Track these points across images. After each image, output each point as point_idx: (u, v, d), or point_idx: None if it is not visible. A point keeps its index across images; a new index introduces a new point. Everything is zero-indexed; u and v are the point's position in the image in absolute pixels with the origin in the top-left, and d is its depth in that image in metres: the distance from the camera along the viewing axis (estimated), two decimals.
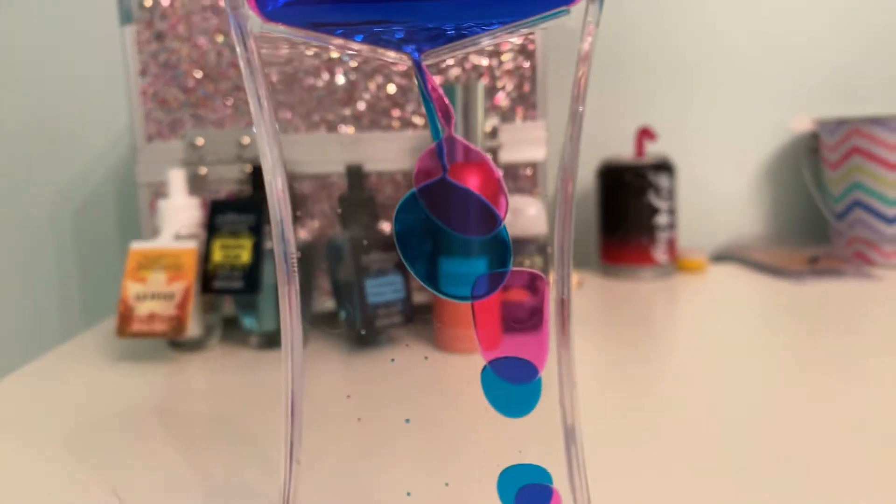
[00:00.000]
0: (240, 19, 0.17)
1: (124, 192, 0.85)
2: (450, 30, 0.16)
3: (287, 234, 0.20)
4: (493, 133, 0.56)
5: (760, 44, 0.89)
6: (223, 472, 0.35)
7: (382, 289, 0.53)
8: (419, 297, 0.54)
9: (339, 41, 0.17)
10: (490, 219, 0.20)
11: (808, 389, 0.44)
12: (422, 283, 0.21)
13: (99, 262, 0.85)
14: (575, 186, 0.21)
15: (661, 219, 0.76)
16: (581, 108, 0.19)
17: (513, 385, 0.21)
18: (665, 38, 0.88)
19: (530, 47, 0.55)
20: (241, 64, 0.18)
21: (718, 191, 0.90)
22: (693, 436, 0.37)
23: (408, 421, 0.22)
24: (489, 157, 0.22)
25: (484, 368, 0.21)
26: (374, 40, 0.17)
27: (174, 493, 0.33)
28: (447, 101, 0.19)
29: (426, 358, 0.26)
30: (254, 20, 0.17)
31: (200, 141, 0.58)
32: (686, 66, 0.89)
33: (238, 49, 0.18)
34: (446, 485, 0.21)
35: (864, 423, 0.38)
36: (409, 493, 0.22)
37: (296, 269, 0.21)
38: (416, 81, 0.18)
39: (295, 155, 0.58)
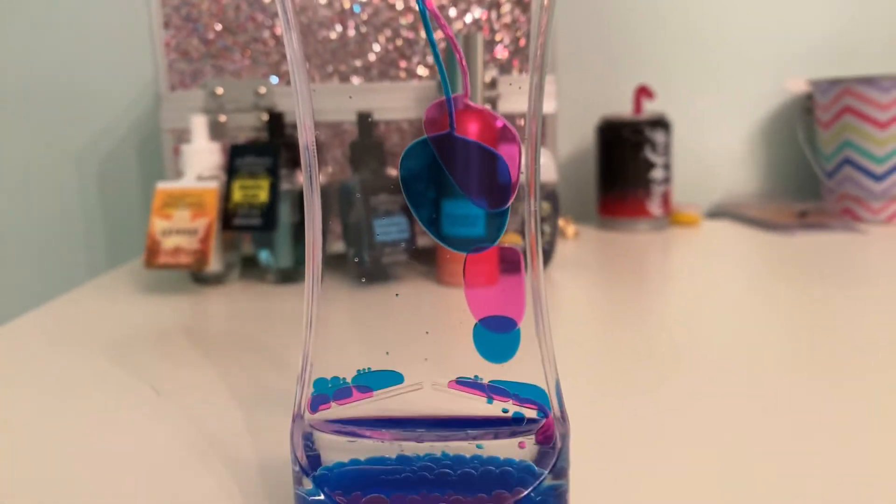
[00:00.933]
0: None
1: (147, 140, 0.89)
2: None
3: (307, 137, 0.24)
4: (493, 84, 0.59)
5: (757, 6, 0.91)
6: (244, 374, 0.40)
7: (389, 229, 0.57)
8: (423, 240, 0.58)
9: None
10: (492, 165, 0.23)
11: (791, 329, 0.47)
12: (424, 228, 0.24)
13: (122, 206, 0.90)
14: (539, 128, 0.24)
15: (657, 173, 0.80)
16: (540, 53, 0.22)
17: (497, 335, 0.24)
18: (665, 1, 0.91)
19: (526, 0, 0.58)
20: (279, 8, 0.22)
21: (715, 149, 0.94)
22: (682, 366, 0.40)
23: (397, 295, 0.25)
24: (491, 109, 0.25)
25: (475, 326, 0.23)
26: None
27: (203, 390, 0.38)
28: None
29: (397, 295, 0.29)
30: None
31: (220, 90, 0.62)
32: (685, 28, 0.91)
33: None
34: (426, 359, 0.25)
35: (843, 357, 0.41)
36: (387, 353, 0.25)
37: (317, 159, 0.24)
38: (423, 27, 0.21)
39: (315, 104, 0.61)
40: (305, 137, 0.24)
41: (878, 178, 0.82)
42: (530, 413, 0.23)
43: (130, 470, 0.29)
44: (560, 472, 0.23)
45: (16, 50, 0.87)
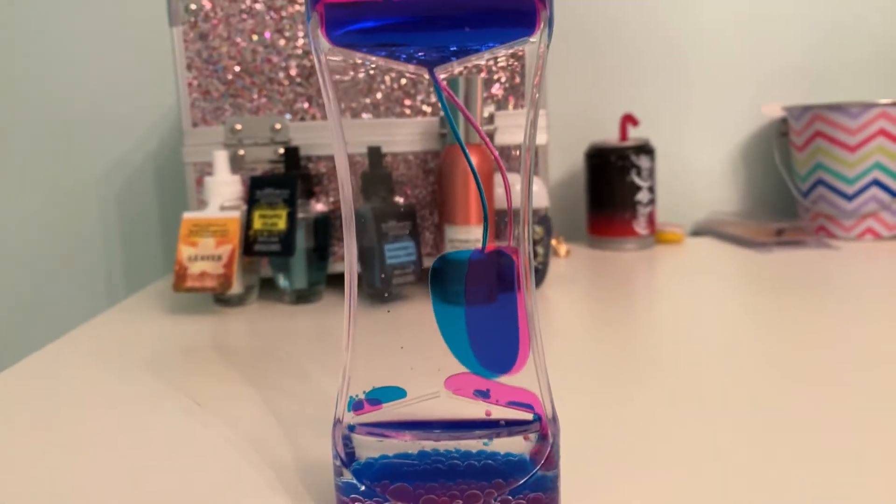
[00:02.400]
0: (316, 42, 0.26)
1: (164, 170, 0.94)
2: (450, 53, 0.25)
3: (346, 192, 0.29)
4: (490, 119, 0.65)
5: (736, 37, 0.97)
6: (272, 384, 0.45)
7: (398, 252, 0.62)
8: (428, 262, 0.64)
9: (381, 60, 0.26)
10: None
11: (768, 337, 0.52)
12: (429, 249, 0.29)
13: (139, 233, 0.95)
14: (532, 159, 0.29)
15: (642, 196, 0.85)
16: (538, 96, 0.27)
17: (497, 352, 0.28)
18: (649, 33, 0.97)
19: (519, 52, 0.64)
20: (317, 68, 0.27)
21: (697, 172, 0.99)
22: (664, 371, 0.46)
23: (388, 312, 0.30)
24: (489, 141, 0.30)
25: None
26: (408, 59, 0.26)
27: (238, 398, 0.43)
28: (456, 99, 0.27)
29: (388, 311, 0.34)
30: (324, 43, 0.26)
31: (239, 126, 0.67)
32: (668, 59, 0.97)
33: (315, 59, 0.27)
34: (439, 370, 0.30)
35: (816, 362, 0.46)
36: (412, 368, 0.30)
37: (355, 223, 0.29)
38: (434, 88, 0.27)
39: (325, 139, 0.67)
40: (345, 191, 0.29)
41: (849, 197, 0.87)
42: (525, 416, 0.28)
43: (190, 467, 0.34)
44: (551, 464, 0.28)
45: (49, 85, 0.93)
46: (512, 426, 0.28)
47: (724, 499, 0.30)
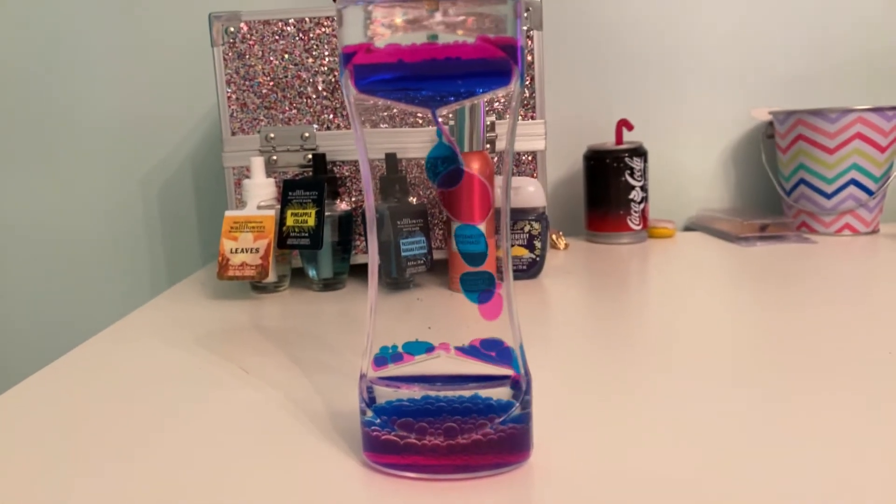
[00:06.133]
0: (347, 89, 0.35)
1: (200, 172, 1.04)
2: (448, 96, 0.34)
3: (369, 199, 0.38)
4: (492, 127, 0.73)
5: (727, 46, 1.05)
6: (305, 354, 0.54)
7: (412, 246, 0.71)
8: (438, 254, 0.73)
9: (394, 102, 0.35)
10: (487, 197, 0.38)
11: (751, 325, 0.57)
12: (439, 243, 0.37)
13: (179, 228, 1.05)
14: (511, 166, 0.38)
15: (636, 195, 0.93)
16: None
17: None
18: (643, 44, 1.05)
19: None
20: (348, 106, 0.36)
21: (689, 171, 1.07)
22: (656, 354, 0.55)
23: (419, 300, 0.40)
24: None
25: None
26: (416, 102, 0.34)
27: (278, 368, 0.52)
28: (450, 137, 0.36)
29: (419, 299, 0.43)
30: (353, 90, 0.35)
31: (272, 135, 0.76)
32: (662, 67, 1.05)
33: (345, 99, 0.35)
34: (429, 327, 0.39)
35: (795, 348, 0.50)
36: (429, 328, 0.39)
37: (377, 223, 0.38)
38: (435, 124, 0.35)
39: (348, 146, 0.76)
40: (369, 199, 0.37)
41: (828, 196, 0.95)
42: (504, 371, 0.37)
43: (245, 424, 0.43)
44: (526, 403, 0.36)
45: (101, 95, 1.03)
46: (497, 379, 0.37)
47: (691, 452, 0.38)
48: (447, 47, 0.32)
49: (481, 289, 0.38)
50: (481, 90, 0.34)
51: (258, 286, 0.74)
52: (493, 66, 0.33)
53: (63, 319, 1.06)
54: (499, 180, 0.71)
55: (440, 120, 0.36)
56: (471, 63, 0.32)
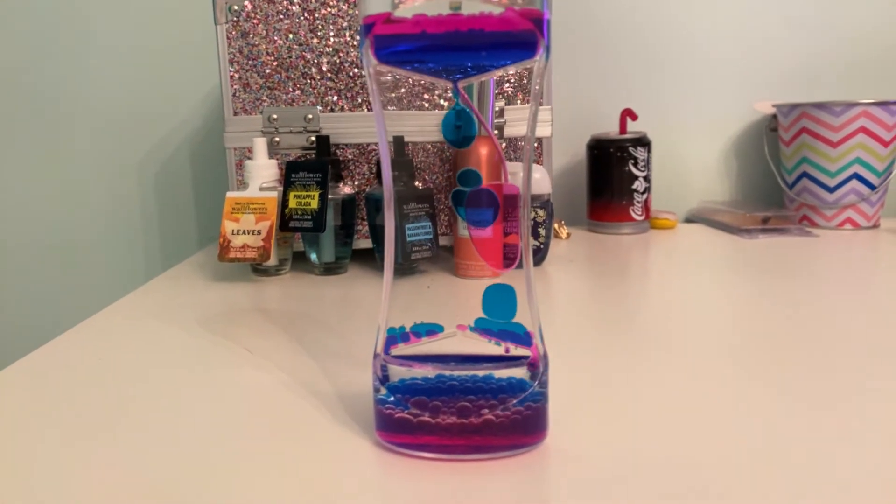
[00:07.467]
0: (367, 59, 0.34)
1: (197, 154, 1.02)
2: (470, 69, 0.33)
3: (387, 178, 0.37)
4: (501, 113, 0.73)
5: (732, 38, 1.04)
6: (309, 337, 0.53)
7: (417, 231, 0.70)
8: (443, 240, 0.72)
9: (416, 73, 0.34)
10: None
11: (750, 315, 0.58)
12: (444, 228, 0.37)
13: (175, 210, 1.04)
14: (532, 149, 0.37)
15: (639, 185, 0.93)
16: (542, 99, 0.35)
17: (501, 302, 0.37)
18: (649, 35, 1.04)
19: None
20: (367, 79, 0.35)
21: (692, 163, 1.07)
22: (657, 339, 0.54)
23: (428, 287, 0.39)
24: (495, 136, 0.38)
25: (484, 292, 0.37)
26: (437, 73, 0.34)
27: (281, 348, 0.51)
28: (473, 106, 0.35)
29: (428, 286, 0.42)
30: (373, 60, 0.34)
31: (275, 116, 0.75)
32: (667, 58, 1.05)
33: (365, 70, 0.34)
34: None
35: (794, 337, 0.52)
36: (429, 285, 0.38)
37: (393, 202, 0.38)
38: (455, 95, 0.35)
39: (352, 129, 0.75)
40: (386, 178, 0.37)
41: (830, 189, 0.95)
42: (524, 351, 0.36)
43: (251, 402, 0.43)
44: (543, 384, 0.36)
45: (100, 76, 1.01)
46: (511, 360, 0.36)
47: (691, 435, 0.38)
48: (472, 18, 0.31)
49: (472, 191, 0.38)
50: (506, 62, 0.33)
51: (259, 269, 0.73)
52: (519, 38, 0.32)
53: (58, 300, 1.04)
54: (512, 167, 0.71)
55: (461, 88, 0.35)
56: (496, 35, 0.32)
